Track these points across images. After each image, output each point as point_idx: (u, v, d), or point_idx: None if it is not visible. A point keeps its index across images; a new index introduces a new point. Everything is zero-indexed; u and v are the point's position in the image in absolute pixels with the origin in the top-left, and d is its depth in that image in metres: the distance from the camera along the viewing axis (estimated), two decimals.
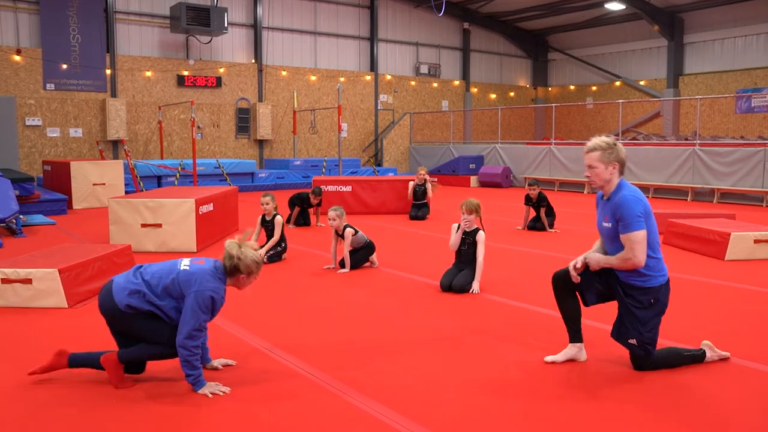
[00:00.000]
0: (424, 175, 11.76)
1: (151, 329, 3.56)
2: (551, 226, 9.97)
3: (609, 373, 3.88)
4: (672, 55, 22.97)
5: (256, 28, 20.25)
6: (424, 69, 24.12)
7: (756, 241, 7.58)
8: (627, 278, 3.81)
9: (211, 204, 8.63)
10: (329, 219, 6.82)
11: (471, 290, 5.86)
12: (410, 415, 3.27)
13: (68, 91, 17.17)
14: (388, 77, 23.25)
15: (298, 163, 19.08)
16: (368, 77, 22.72)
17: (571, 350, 4.02)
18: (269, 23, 20.55)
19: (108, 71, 17.71)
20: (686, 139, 18.12)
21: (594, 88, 25.98)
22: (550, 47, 27.44)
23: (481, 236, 5.97)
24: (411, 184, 11.83)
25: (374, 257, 7.16)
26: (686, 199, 15.21)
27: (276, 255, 7.46)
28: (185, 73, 18.91)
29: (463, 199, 6.07)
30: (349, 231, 6.85)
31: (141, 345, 3.59)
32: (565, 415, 3.27)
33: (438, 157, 21.57)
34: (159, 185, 15.69)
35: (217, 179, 16.64)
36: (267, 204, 7.48)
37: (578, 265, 3.83)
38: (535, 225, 9.98)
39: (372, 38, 22.72)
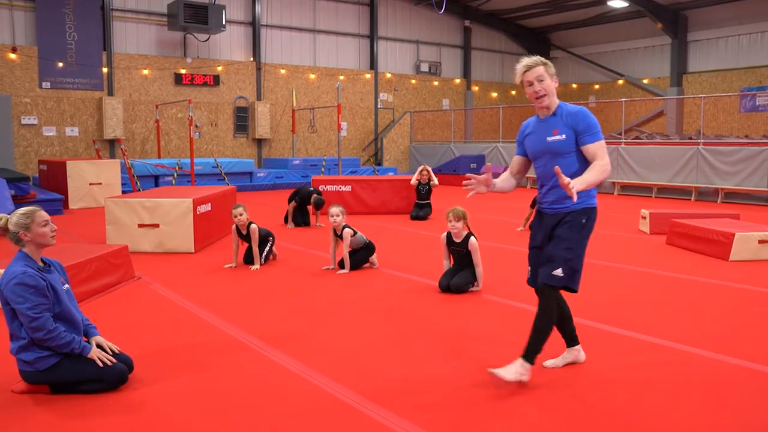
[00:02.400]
0: (428, 173, 11.57)
1: (75, 371, 3.49)
2: None
3: (606, 374, 3.84)
4: (676, 53, 22.79)
5: (254, 25, 20.10)
6: (424, 67, 23.95)
7: (761, 242, 7.50)
8: (565, 207, 3.59)
9: (209, 204, 8.57)
10: (332, 215, 6.72)
11: (470, 289, 5.89)
12: (409, 417, 3.24)
13: (64, 89, 17.04)
14: (388, 75, 23.09)
15: (297, 162, 18.93)
16: (368, 75, 22.56)
17: (570, 354, 3.95)
18: (268, 21, 20.41)
19: (105, 69, 17.58)
20: (690, 138, 17.94)
21: (597, 86, 25.80)
22: (552, 45, 27.25)
23: (473, 244, 5.91)
24: (414, 182, 11.62)
25: (374, 258, 7.09)
26: (690, 199, 15.11)
27: (266, 255, 7.33)
28: (183, 71, 18.77)
29: (464, 200, 6.04)
30: (347, 232, 6.77)
31: (79, 386, 3.54)
32: (563, 417, 3.24)
33: (439, 157, 21.42)
34: (156, 185, 15.63)
35: (215, 179, 16.57)
36: (240, 215, 6.98)
37: (574, 195, 3.29)
38: None
39: (372, 36, 22.56)
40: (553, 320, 3.61)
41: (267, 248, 7.27)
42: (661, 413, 3.28)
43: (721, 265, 7.19)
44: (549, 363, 3.91)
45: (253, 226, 7.08)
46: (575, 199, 3.25)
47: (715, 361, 4.07)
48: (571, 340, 3.93)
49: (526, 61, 3.64)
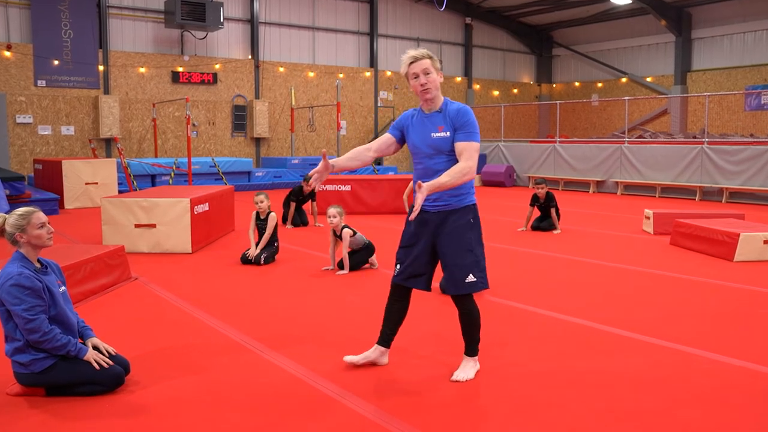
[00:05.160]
0: None
1: (71, 374, 3.46)
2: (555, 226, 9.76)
3: (608, 375, 3.82)
4: (680, 50, 22.59)
5: (252, 23, 19.92)
6: None
7: (766, 242, 7.46)
8: (445, 205, 3.60)
9: (207, 204, 8.54)
10: (329, 216, 6.73)
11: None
12: (409, 419, 3.22)
13: (60, 87, 16.87)
14: (389, 73, 22.90)
15: (295, 161, 18.73)
16: (368, 73, 22.37)
17: (374, 353, 3.92)
18: (266, 18, 20.23)
19: (101, 67, 17.41)
20: (694, 137, 17.79)
21: (600, 84, 25.58)
22: (554, 43, 27.04)
23: None
24: (411, 185, 11.57)
25: (374, 258, 7.07)
26: (694, 199, 15.02)
27: (270, 256, 7.33)
28: (180, 69, 18.60)
29: None
30: (346, 232, 6.76)
31: (75, 388, 3.53)
32: (564, 417, 3.24)
33: None
34: (153, 184, 15.52)
35: (212, 178, 16.42)
36: (261, 202, 7.35)
37: (419, 202, 3.30)
38: (539, 225, 9.79)
39: (372, 33, 22.36)
40: (477, 315, 3.73)
41: (269, 250, 7.36)
42: (663, 415, 3.25)
43: (726, 266, 7.14)
44: (348, 358, 3.91)
45: (273, 214, 7.38)
46: (417, 206, 3.25)
47: (719, 362, 4.03)
48: (385, 341, 3.90)
49: (413, 52, 3.61)
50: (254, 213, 7.48)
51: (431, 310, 5.35)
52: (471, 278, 3.56)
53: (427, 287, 3.78)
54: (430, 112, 3.63)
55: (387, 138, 3.79)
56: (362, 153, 3.77)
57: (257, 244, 7.33)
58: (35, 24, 16.36)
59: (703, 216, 9.23)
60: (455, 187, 3.47)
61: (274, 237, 7.45)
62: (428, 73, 3.55)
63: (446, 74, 24.38)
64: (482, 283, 3.61)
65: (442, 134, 3.55)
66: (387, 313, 3.88)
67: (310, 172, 3.65)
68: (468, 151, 3.48)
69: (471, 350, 3.77)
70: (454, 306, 5.26)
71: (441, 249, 3.61)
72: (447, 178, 3.39)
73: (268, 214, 7.39)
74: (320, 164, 3.59)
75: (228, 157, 18.13)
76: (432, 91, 3.57)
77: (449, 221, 3.57)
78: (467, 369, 3.73)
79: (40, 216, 3.53)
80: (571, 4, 23.09)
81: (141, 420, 3.20)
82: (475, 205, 3.65)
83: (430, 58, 3.58)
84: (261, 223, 7.41)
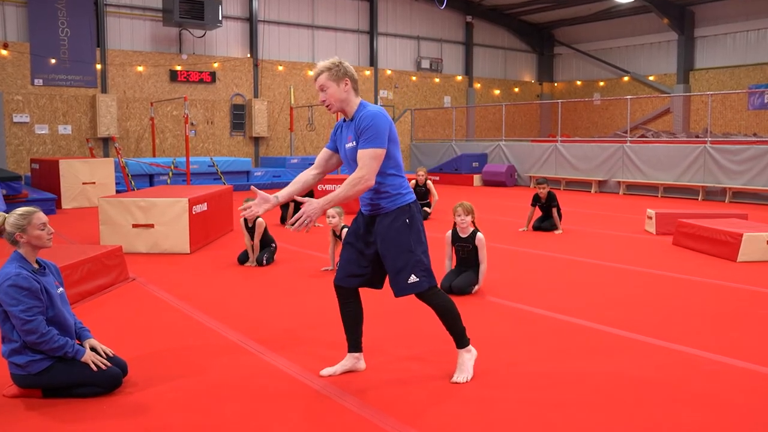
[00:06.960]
0: (424, 175, 11.58)
1: (68, 375, 3.43)
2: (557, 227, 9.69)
3: (609, 376, 3.79)
4: (682, 49, 22.48)
5: (251, 21, 19.82)
6: (425, 64, 23.64)
7: None
8: (378, 209, 3.55)
9: (205, 203, 8.51)
10: (329, 216, 6.68)
11: (471, 291, 5.76)
12: (410, 421, 3.20)
13: (57, 86, 16.78)
14: (389, 72, 22.77)
15: (295, 161, 18.62)
16: (368, 72, 22.26)
17: (348, 361, 3.84)
18: (265, 16, 20.14)
19: (98, 66, 17.32)
20: (697, 137, 17.68)
21: (602, 83, 25.46)
22: (556, 41, 26.94)
23: (481, 240, 5.83)
24: (412, 182, 11.56)
25: None
26: (697, 199, 14.94)
27: (270, 256, 7.30)
28: (178, 68, 18.50)
29: (466, 199, 6.11)
30: (346, 232, 6.54)
31: (72, 390, 3.51)
32: (566, 418, 3.22)
33: (440, 155, 21.15)
34: (151, 184, 15.44)
35: (211, 178, 16.33)
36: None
37: (298, 215, 3.32)
38: (541, 225, 9.74)
39: (372, 32, 22.26)
40: (450, 307, 3.63)
41: (269, 251, 7.29)
42: (664, 416, 3.24)
43: (729, 266, 7.09)
44: (326, 371, 3.78)
45: (260, 220, 7.12)
46: (295, 222, 3.29)
47: (720, 363, 4.00)
48: (355, 347, 3.83)
49: (316, 68, 3.53)
50: (242, 220, 7.31)
51: (428, 308, 5.28)
52: (413, 278, 3.50)
53: (373, 285, 3.74)
54: (347, 121, 3.57)
55: (324, 153, 3.75)
56: (306, 176, 3.72)
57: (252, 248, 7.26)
58: (32, 22, 16.27)
59: (705, 216, 9.16)
60: (350, 198, 3.37)
61: (269, 238, 7.38)
62: (325, 89, 3.48)
63: (447, 73, 24.31)
64: (427, 282, 3.53)
65: (351, 144, 3.49)
66: (343, 319, 3.80)
67: (243, 206, 3.54)
68: (362, 160, 3.37)
69: (460, 342, 3.71)
70: (462, 308, 5.19)
71: (381, 252, 3.56)
72: (339, 189, 3.37)
73: (255, 219, 7.23)
74: (257, 199, 3.50)
75: (226, 157, 18.03)
76: (334, 105, 3.51)
77: (384, 224, 3.52)
78: (464, 366, 3.68)
79: (41, 216, 3.50)
80: (573, 2, 22.99)
81: (139, 421, 3.18)
82: (409, 205, 3.54)
83: (329, 70, 3.47)
84: (250, 230, 7.28)
